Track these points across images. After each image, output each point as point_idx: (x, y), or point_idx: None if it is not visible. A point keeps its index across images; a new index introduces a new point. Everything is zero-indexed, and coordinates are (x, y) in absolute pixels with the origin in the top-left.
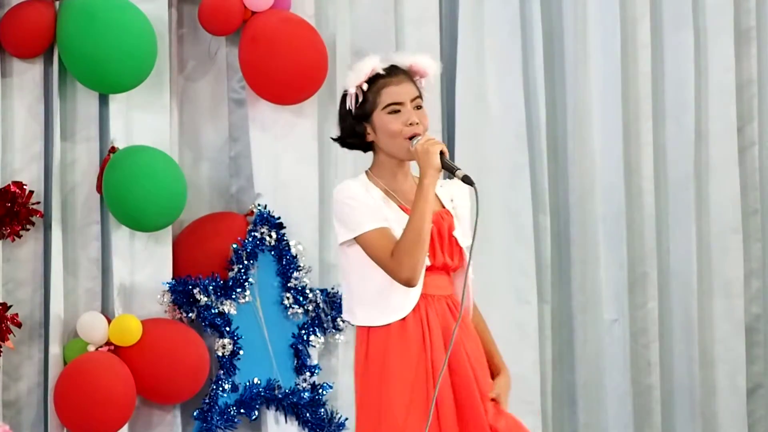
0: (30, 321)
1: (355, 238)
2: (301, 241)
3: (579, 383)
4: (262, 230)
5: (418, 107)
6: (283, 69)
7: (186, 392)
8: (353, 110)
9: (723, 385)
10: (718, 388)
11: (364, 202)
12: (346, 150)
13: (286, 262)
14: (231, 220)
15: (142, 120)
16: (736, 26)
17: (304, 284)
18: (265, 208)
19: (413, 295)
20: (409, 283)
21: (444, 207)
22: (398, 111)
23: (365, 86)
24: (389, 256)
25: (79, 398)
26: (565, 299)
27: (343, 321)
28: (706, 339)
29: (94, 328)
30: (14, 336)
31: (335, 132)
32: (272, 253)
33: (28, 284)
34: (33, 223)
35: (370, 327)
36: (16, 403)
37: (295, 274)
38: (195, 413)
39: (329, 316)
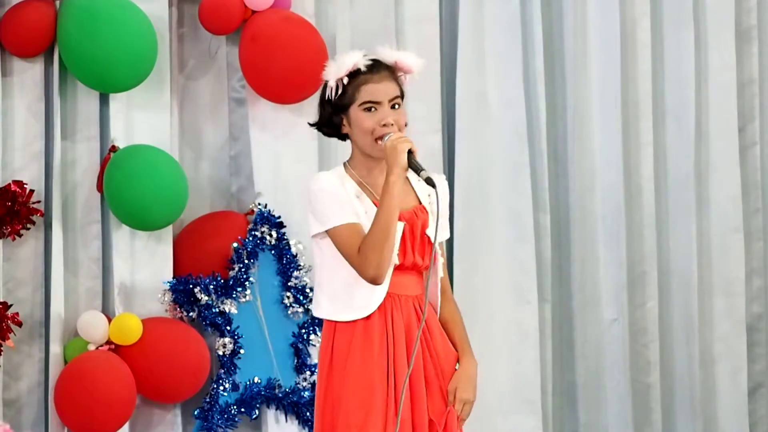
0: (30, 320)
1: (326, 231)
2: (301, 240)
3: (579, 382)
4: (263, 229)
5: (396, 106)
6: (284, 68)
7: (186, 391)
8: (331, 100)
9: (724, 385)
10: (719, 388)
11: (336, 196)
12: (345, 149)
13: (286, 261)
14: (231, 219)
15: (142, 119)
16: (737, 25)
17: (305, 283)
18: (266, 207)
19: (378, 293)
20: (374, 281)
21: (421, 203)
22: (374, 109)
23: (345, 80)
24: (356, 252)
25: (80, 397)
26: (565, 298)
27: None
28: (706, 338)
29: (94, 327)
30: (15, 335)
31: (310, 123)
32: (272, 252)
33: (28, 283)
34: (34, 222)
35: (336, 322)
36: (16, 402)
37: (296, 273)
38: (195, 412)
39: None
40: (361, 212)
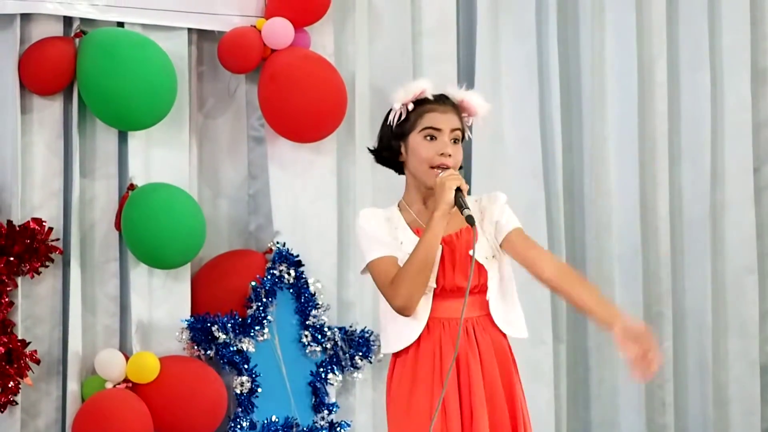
0: (48, 358)
1: (366, 267)
2: (319, 278)
3: (594, 422)
4: (281, 268)
5: (456, 140)
6: (303, 107)
7: (204, 430)
8: (393, 126)
9: (737, 426)
10: (733, 429)
11: (374, 231)
12: (365, 187)
13: (304, 300)
14: (250, 258)
15: (161, 157)
16: (753, 66)
17: (323, 322)
18: (284, 245)
19: (419, 319)
20: (403, 311)
21: (468, 225)
22: (434, 137)
23: (411, 106)
24: (389, 283)
25: None
26: (580, 338)
27: (363, 357)
28: (720, 379)
29: (112, 365)
30: (33, 373)
31: (369, 148)
32: (291, 290)
33: (46, 321)
34: (52, 260)
35: (394, 353)
36: None
37: (314, 312)
38: None
39: (347, 354)
40: (406, 243)
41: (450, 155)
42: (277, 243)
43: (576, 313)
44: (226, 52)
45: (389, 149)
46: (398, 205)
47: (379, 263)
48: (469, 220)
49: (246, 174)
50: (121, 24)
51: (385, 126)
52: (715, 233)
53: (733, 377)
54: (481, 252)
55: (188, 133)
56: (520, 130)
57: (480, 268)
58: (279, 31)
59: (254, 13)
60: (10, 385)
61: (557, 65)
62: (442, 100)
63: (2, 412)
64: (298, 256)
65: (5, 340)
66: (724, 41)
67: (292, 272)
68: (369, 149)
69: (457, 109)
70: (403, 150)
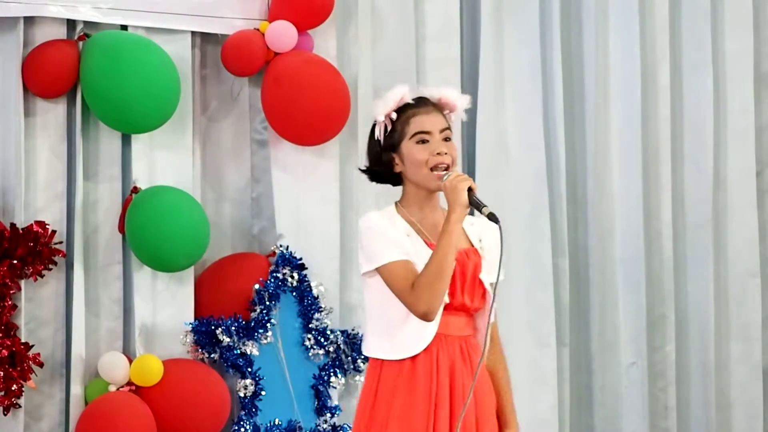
0: (52, 361)
1: (376, 269)
2: (322, 282)
3: (597, 426)
4: (284, 271)
5: (447, 139)
6: (306, 110)
7: None
8: (381, 140)
9: (740, 429)
10: None
11: (387, 234)
12: (367, 191)
13: (307, 303)
14: (253, 261)
15: (164, 160)
16: (756, 70)
17: (325, 325)
18: (287, 249)
19: (428, 333)
20: (425, 317)
21: (473, 246)
22: (426, 141)
23: (394, 115)
24: (409, 289)
25: None
26: (583, 342)
27: (365, 360)
28: (723, 383)
29: (115, 368)
30: (36, 376)
31: (361, 166)
32: (294, 294)
33: (50, 324)
34: (55, 263)
35: (383, 360)
36: None
37: (317, 315)
38: None
39: (350, 358)
40: (411, 251)
41: (446, 153)
42: (281, 246)
43: (579, 317)
44: (230, 55)
45: (381, 164)
46: (396, 209)
47: (395, 266)
48: (492, 217)
49: (249, 177)
50: (124, 27)
51: (373, 141)
52: (717, 237)
53: (735, 381)
54: (486, 276)
55: (191, 136)
56: (523, 134)
57: (485, 291)
58: (282, 34)
59: (257, 16)
60: (13, 388)
61: (561, 69)
62: (422, 102)
63: (6, 415)
64: (301, 259)
65: (8, 343)
66: (726, 45)
67: (296, 275)
68: (361, 169)
69: (438, 107)
70: (397, 160)
